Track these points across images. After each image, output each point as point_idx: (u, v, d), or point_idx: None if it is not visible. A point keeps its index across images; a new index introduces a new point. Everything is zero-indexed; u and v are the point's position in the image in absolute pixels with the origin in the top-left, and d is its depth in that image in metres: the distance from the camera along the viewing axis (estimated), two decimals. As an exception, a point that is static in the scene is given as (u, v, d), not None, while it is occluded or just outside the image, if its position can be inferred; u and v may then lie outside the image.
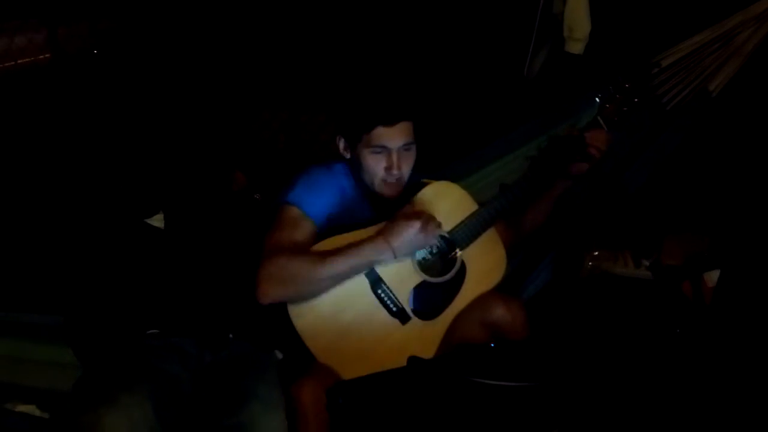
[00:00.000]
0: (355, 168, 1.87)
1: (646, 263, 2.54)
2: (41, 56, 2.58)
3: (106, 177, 1.99)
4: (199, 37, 2.62)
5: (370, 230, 1.79)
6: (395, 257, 1.73)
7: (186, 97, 2.50)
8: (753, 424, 1.97)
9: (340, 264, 1.70)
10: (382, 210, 1.85)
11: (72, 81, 2.54)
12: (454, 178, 2.12)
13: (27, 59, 2.57)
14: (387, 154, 1.79)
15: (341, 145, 1.87)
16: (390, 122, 1.77)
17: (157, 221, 1.86)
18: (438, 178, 1.94)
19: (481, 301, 1.86)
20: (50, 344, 1.89)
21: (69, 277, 1.86)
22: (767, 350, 2.13)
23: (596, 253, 2.55)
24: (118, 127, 2.30)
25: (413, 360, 1.75)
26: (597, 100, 1.91)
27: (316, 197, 1.81)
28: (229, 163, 2.08)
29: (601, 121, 1.89)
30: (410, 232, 1.72)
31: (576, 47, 2.58)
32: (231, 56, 2.64)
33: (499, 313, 1.81)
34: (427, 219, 1.74)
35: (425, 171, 1.90)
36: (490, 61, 2.79)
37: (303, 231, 1.78)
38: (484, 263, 1.89)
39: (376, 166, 1.80)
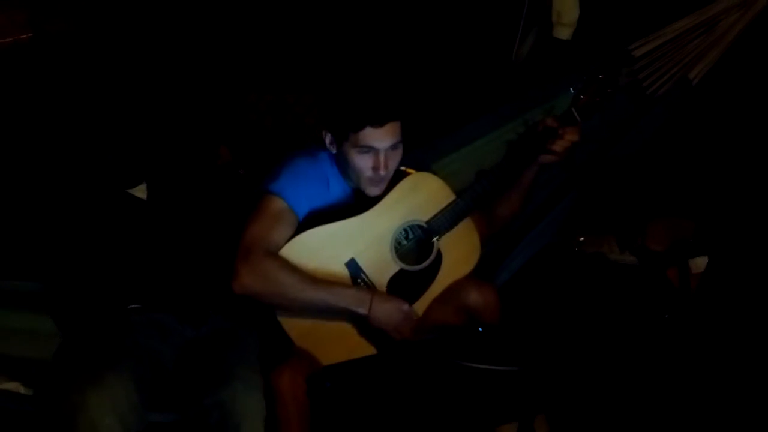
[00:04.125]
0: (340, 162, 1.85)
1: (631, 249, 2.56)
2: (22, 35, 2.54)
3: (89, 146, 1.97)
4: (187, 14, 2.59)
5: (352, 222, 1.81)
6: (367, 317, 1.75)
7: (172, 73, 2.47)
8: (741, 410, 2.00)
9: (320, 296, 1.71)
10: (366, 199, 1.85)
11: (53, 60, 2.51)
12: (431, 157, 2.13)
13: (8, 38, 2.53)
14: (374, 154, 1.76)
15: (327, 139, 1.84)
16: (379, 123, 1.74)
17: (140, 192, 1.84)
18: (417, 163, 1.95)
19: (455, 287, 1.87)
20: (31, 312, 1.87)
21: (49, 246, 1.84)
22: (752, 336, 2.16)
23: (581, 238, 2.57)
24: (101, 98, 2.27)
25: (402, 344, 1.77)
26: (571, 90, 1.91)
27: (300, 188, 1.80)
28: (214, 137, 2.07)
29: (576, 113, 1.89)
30: (394, 316, 1.75)
31: (564, 33, 2.59)
32: (218, 35, 2.61)
33: (473, 297, 1.84)
34: (410, 313, 1.79)
35: (407, 149, 1.90)
36: (478, 45, 2.79)
37: (286, 224, 1.76)
38: (459, 251, 1.90)
39: (362, 166, 1.77)
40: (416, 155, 1.98)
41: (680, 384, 2.10)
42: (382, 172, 1.77)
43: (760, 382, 2.04)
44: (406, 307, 1.77)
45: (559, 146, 1.88)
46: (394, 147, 1.79)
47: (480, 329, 1.84)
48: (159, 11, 2.57)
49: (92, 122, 1.77)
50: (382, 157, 1.76)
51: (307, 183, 1.81)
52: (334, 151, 1.84)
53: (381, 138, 1.75)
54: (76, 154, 1.90)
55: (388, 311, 1.74)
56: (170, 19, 2.58)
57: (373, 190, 1.82)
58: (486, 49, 2.79)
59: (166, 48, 2.52)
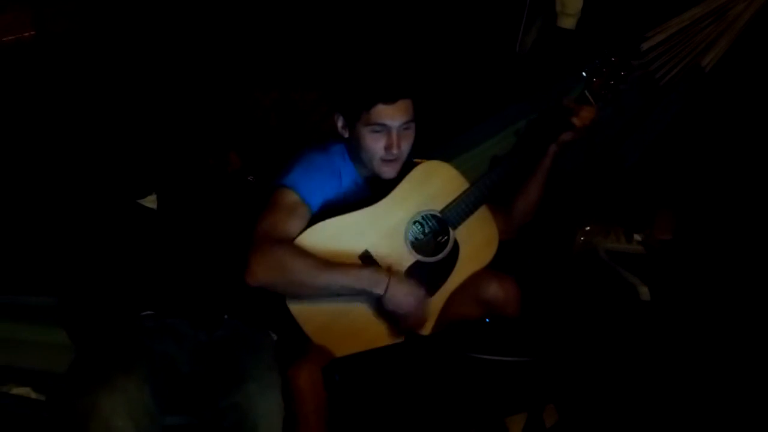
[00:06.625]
0: (353, 148, 1.85)
1: (638, 238, 2.56)
2: (26, 33, 2.54)
3: (99, 157, 1.97)
4: (190, 12, 2.58)
5: (365, 213, 1.80)
6: (382, 298, 1.73)
7: (175, 72, 2.47)
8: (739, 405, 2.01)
9: (336, 279, 1.70)
10: (378, 191, 1.85)
11: (58, 59, 2.50)
12: (446, 157, 2.13)
13: (11, 36, 2.52)
14: (387, 132, 1.77)
15: (339, 123, 1.84)
16: (391, 100, 1.74)
17: (150, 202, 1.85)
18: (429, 158, 1.94)
19: (474, 279, 1.87)
20: (45, 325, 1.88)
21: (62, 259, 1.85)
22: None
23: (588, 228, 2.57)
24: (109, 107, 2.27)
25: (411, 336, 1.77)
26: (584, 74, 1.92)
27: (313, 181, 1.80)
28: (223, 143, 2.07)
29: (589, 96, 1.91)
30: (409, 299, 1.73)
31: (568, 22, 2.58)
32: (222, 32, 2.60)
33: (493, 290, 1.83)
34: (425, 300, 1.77)
35: (418, 149, 1.89)
36: (482, 36, 2.78)
37: (299, 216, 1.76)
38: (476, 241, 1.90)
39: (375, 146, 1.78)
40: (429, 154, 1.97)
41: (685, 374, 2.11)
42: (395, 151, 1.77)
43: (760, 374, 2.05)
44: (421, 292, 1.75)
45: (575, 121, 1.89)
46: (406, 126, 1.79)
47: (487, 320, 1.85)
48: (162, 10, 2.56)
49: (97, 129, 1.78)
50: (394, 136, 1.77)
51: (319, 176, 1.81)
52: (347, 135, 1.84)
53: (393, 115, 1.76)
54: (83, 164, 1.92)
55: (403, 293, 1.72)
56: (173, 17, 2.57)
57: (388, 172, 1.82)
58: (490, 40, 2.78)
59: (169, 47, 2.51)
